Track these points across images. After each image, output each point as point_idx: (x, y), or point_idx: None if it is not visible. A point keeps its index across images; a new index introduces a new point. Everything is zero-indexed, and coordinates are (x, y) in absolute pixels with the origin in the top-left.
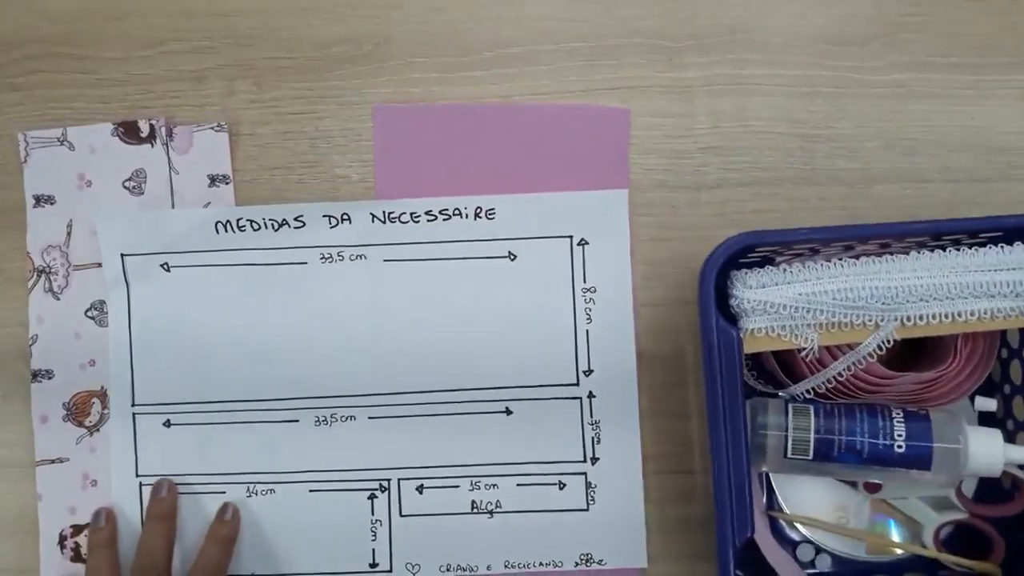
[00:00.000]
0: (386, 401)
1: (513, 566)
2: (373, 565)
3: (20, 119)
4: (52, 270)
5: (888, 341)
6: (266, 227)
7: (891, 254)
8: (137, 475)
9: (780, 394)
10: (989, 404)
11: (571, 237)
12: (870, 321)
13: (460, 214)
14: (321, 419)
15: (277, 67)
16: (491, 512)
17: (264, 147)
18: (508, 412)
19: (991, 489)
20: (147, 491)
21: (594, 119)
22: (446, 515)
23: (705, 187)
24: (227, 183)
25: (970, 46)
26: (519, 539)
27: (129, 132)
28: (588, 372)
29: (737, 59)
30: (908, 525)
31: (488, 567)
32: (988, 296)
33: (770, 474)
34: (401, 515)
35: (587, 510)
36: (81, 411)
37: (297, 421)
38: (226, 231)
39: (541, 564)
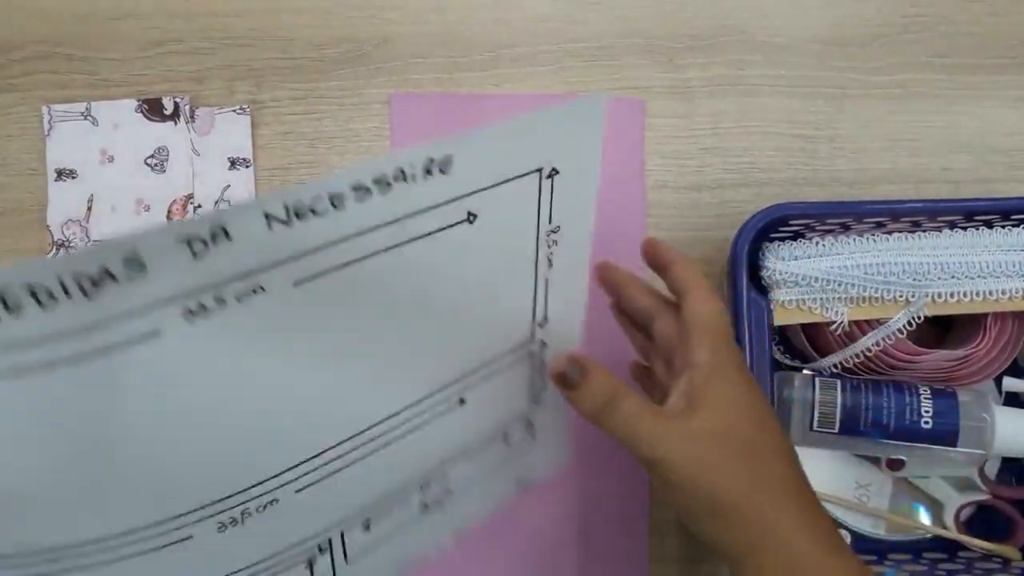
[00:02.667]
0: (316, 464)
1: (464, 532)
2: None
3: (19, 119)
4: (71, 245)
5: (918, 317)
6: (68, 293)
7: (923, 232)
8: None
9: (806, 370)
10: (1017, 385)
11: (540, 171)
12: (900, 297)
13: (404, 176)
14: (227, 522)
15: (276, 68)
16: (441, 503)
17: (263, 148)
18: (462, 402)
19: (1014, 470)
20: None
21: (610, 110)
22: (401, 536)
23: (705, 188)
24: (247, 166)
25: (970, 47)
26: (470, 511)
27: (153, 109)
28: (543, 322)
29: (738, 60)
30: (929, 505)
31: (440, 543)
32: (1020, 276)
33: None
34: (347, 562)
35: (525, 449)
36: None
37: (191, 538)
38: (7, 311)
39: (488, 516)
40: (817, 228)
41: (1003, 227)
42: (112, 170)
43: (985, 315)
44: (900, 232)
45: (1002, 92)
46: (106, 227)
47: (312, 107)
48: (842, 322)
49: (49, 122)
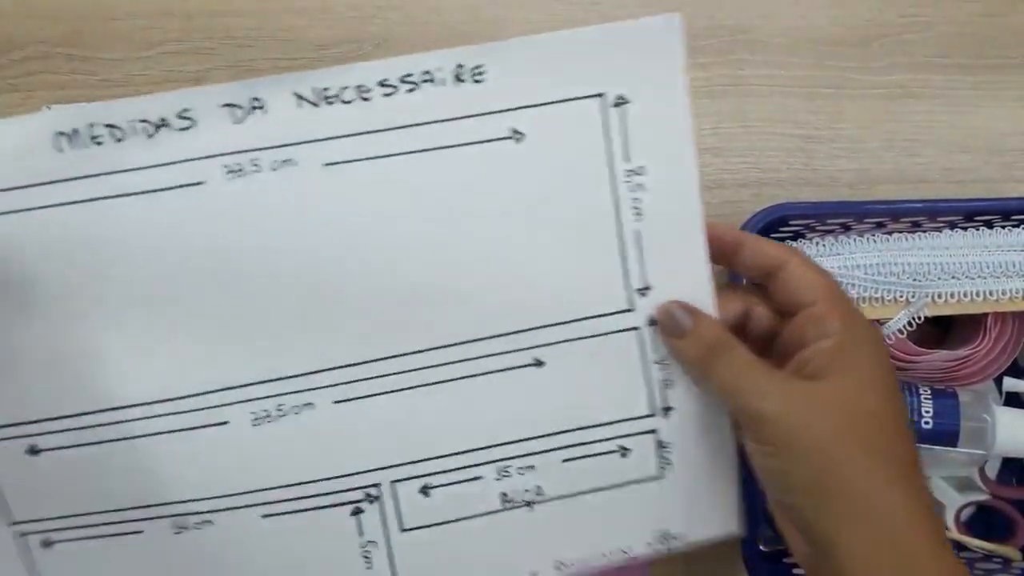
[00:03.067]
0: (357, 375)
1: (568, 565)
2: None
3: None
4: None
5: (918, 318)
6: (135, 133)
7: (924, 232)
8: (12, 523)
9: None
10: (1018, 385)
11: (601, 96)
12: (901, 297)
13: (432, 79)
14: (261, 415)
15: (276, 68)
16: (530, 504)
17: None
18: (538, 364)
19: (1014, 471)
20: (32, 541)
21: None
22: (469, 519)
23: (705, 188)
24: None
25: (971, 47)
26: (571, 531)
27: None
28: (644, 290)
29: (737, 60)
30: None
31: (533, 574)
32: (1020, 276)
33: None
34: (403, 529)
35: (660, 477)
36: None
37: (227, 423)
38: (72, 146)
39: (604, 555)
40: (817, 228)
41: (1003, 227)
42: None
43: (985, 315)
44: (900, 232)
45: (1002, 92)
46: None
47: None
48: None
49: None
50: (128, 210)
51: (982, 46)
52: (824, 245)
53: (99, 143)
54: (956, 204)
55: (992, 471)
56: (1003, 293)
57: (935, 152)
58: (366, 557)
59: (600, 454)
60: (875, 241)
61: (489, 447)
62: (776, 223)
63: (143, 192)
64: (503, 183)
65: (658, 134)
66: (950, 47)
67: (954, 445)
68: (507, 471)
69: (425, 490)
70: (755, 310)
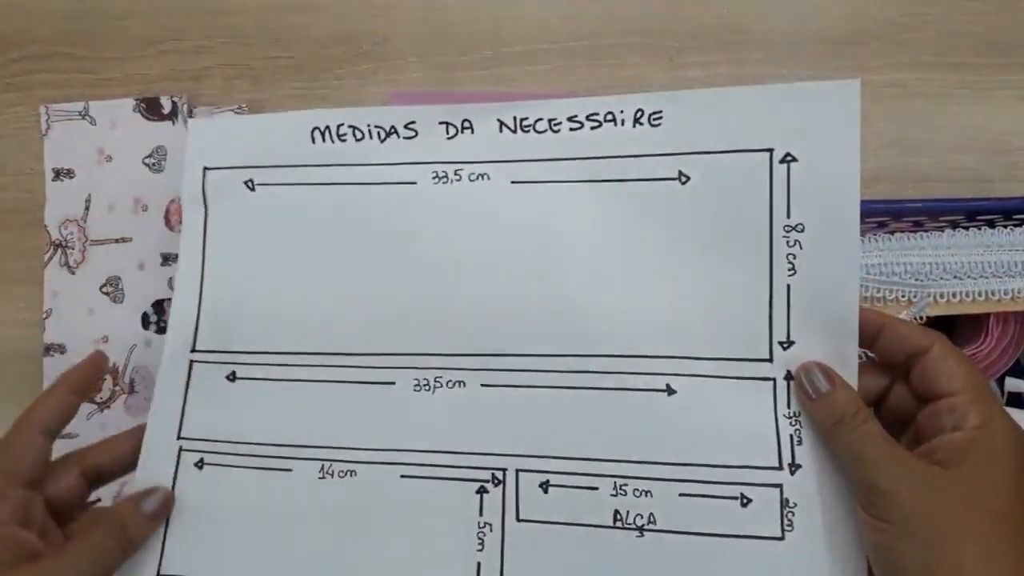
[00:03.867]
0: (506, 365)
1: None
2: None
3: (18, 119)
4: (69, 244)
5: (921, 318)
6: (371, 136)
7: (925, 232)
8: (179, 436)
9: None
10: (1020, 385)
11: (770, 152)
12: (903, 297)
13: (614, 119)
14: (422, 383)
15: (275, 66)
16: (641, 529)
17: None
18: (669, 391)
19: None
20: (188, 459)
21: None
22: (579, 526)
23: None
24: None
25: (971, 46)
26: (679, 572)
27: (151, 108)
28: (786, 344)
29: (738, 59)
30: None
31: None
32: (1022, 275)
33: None
34: (519, 519)
35: (781, 538)
36: None
37: (393, 383)
38: (324, 140)
39: None
40: None
41: (1005, 227)
42: (110, 170)
43: (987, 315)
44: (902, 232)
45: (1003, 92)
46: (104, 227)
47: (311, 106)
48: None
49: (47, 122)
50: (358, 195)
51: (982, 46)
52: None
53: (344, 140)
54: (957, 204)
55: None
56: (1005, 293)
57: (936, 152)
58: (480, 538)
59: (719, 497)
60: (876, 241)
61: (609, 460)
62: None
63: (370, 183)
64: (666, 219)
65: (822, 194)
66: (950, 47)
67: None
68: (624, 489)
69: (545, 486)
70: (896, 389)
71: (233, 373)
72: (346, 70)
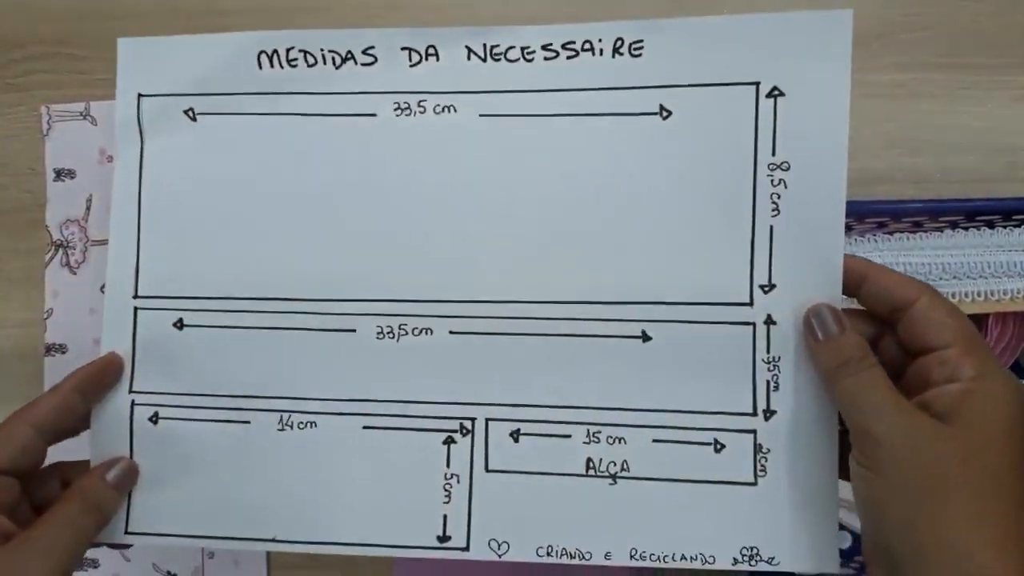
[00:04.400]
0: (475, 312)
1: (643, 556)
2: (443, 538)
3: (19, 119)
4: (70, 244)
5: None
6: (324, 62)
7: (925, 232)
8: (131, 390)
9: None
10: None
11: (756, 85)
12: None
13: (592, 48)
14: (386, 330)
15: None
16: (614, 476)
17: None
18: (645, 337)
19: None
20: (140, 415)
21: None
22: (550, 475)
23: None
24: None
25: (971, 46)
26: (653, 519)
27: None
28: (767, 287)
29: None
30: None
31: (607, 555)
32: (1021, 276)
33: None
34: (487, 469)
35: (754, 484)
36: None
37: (354, 331)
38: (271, 66)
39: (684, 558)
40: None
41: (1004, 227)
42: (111, 170)
43: (986, 316)
44: (901, 232)
45: (1003, 92)
46: (105, 227)
47: None
48: None
49: (48, 122)
50: (311, 127)
51: (983, 46)
52: None
53: (294, 65)
54: (957, 204)
55: None
56: (1004, 293)
57: (936, 152)
58: (447, 490)
59: (692, 443)
60: (876, 241)
61: (582, 408)
62: None
63: (325, 115)
64: (644, 157)
65: (809, 131)
66: (950, 47)
67: None
68: (596, 436)
69: (515, 435)
70: (885, 340)
71: (180, 320)
72: None
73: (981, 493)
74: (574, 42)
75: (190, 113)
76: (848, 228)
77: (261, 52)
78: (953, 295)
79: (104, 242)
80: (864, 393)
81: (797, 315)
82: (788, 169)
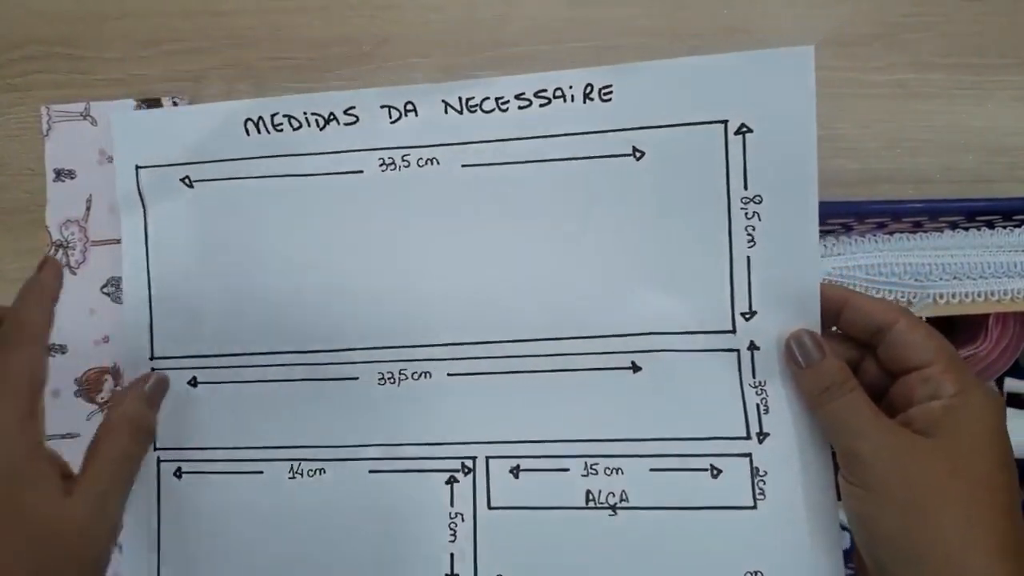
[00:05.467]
0: (471, 353)
1: None
2: None
3: (19, 119)
4: (70, 245)
5: (920, 318)
6: (309, 124)
7: (925, 232)
8: (155, 447)
9: None
10: (1019, 386)
11: (725, 123)
12: (903, 298)
13: (563, 96)
14: (387, 376)
15: (276, 67)
16: (613, 507)
17: None
18: (635, 368)
19: (1020, 471)
20: (166, 470)
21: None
22: (550, 509)
23: None
24: None
25: (972, 46)
26: (655, 548)
27: (153, 109)
28: (748, 315)
29: None
30: None
31: None
32: (1022, 276)
33: None
34: (490, 507)
35: (753, 507)
36: (93, 387)
37: (356, 379)
38: (259, 131)
39: None
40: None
41: (1004, 227)
42: (111, 170)
43: (987, 316)
44: (901, 232)
45: (1003, 92)
46: (105, 227)
47: None
48: None
49: (48, 122)
50: (302, 187)
51: (983, 46)
52: (825, 245)
53: (280, 130)
54: (957, 204)
55: None
56: (1004, 294)
57: (936, 152)
58: (452, 529)
59: (689, 470)
60: (876, 241)
61: (578, 440)
62: None
63: (314, 174)
64: (622, 197)
65: (779, 165)
66: (951, 47)
67: None
68: (594, 468)
69: (515, 471)
70: (866, 363)
71: (194, 378)
72: (346, 71)
73: (970, 502)
74: (546, 90)
75: (186, 180)
76: (848, 228)
77: (247, 120)
78: (953, 295)
79: (104, 243)
80: (848, 415)
81: (779, 340)
82: (761, 202)
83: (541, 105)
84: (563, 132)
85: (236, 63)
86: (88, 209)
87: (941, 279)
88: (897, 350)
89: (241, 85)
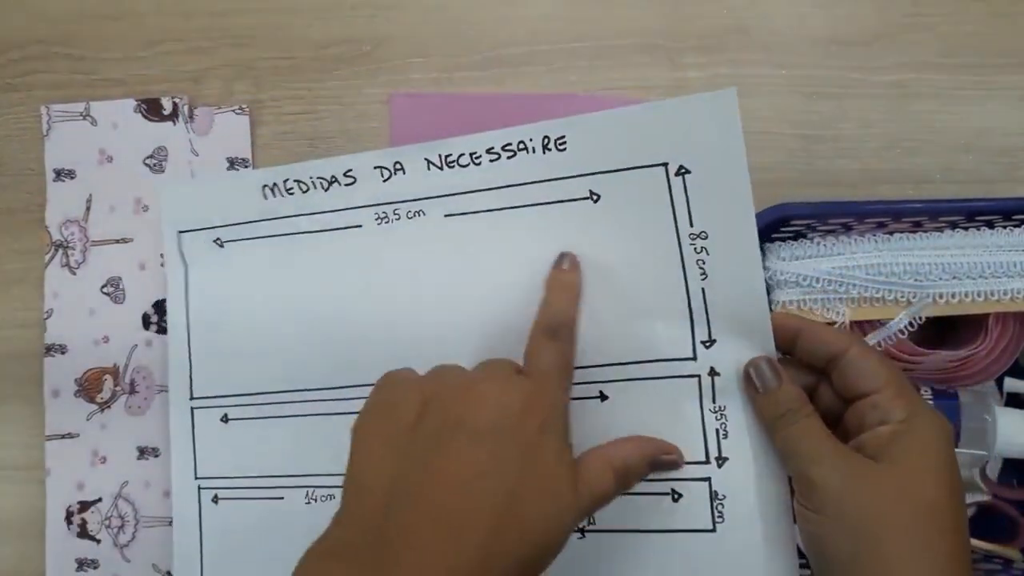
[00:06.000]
0: None
1: None
2: None
3: (19, 119)
4: (69, 245)
5: (920, 318)
6: (315, 187)
7: (925, 232)
8: (196, 477)
9: None
10: (1019, 385)
11: (665, 165)
12: (902, 297)
13: (526, 148)
14: None
15: (275, 67)
16: (582, 531)
17: (262, 148)
18: (603, 397)
19: (1015, 471)
20: (206, 496)
21: None
22: None
23: None
24: (247, 166)
25: (972, 47)
26: (619, 569)
27: (152, 109)
28: (708, 343)
29: (738, 59)
30: None
31: None
32: (1022, 276)
33: None
34: None
35: (713, 530)
36: (93, 387)
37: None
38: (274, 195)
39: None
40: (818, 228)
41: (1004, 227)
42: (111, 170)
43: (987, 316)
44: (901, 232)
45: (1003, 92)
46: (105, 227)
47: (311, 107)
48: (843, 323)
49: (48, 122)
50: (311, 243)
51: (983, 46)
52: (825, 245)
53: (291, 193)
54: (957, 204)
55: (993, 472)
56: (1004, 293)
57: (936, 152)
58: None
59: (651, 493)
60: (876, 241)
61: None
62: (777, 223)
63: (321, 230)
64: (584, 236)
65: (718, 202)
66: (951, 47)
67: (955, 446)
68: None
69: None
70: (821, 389)
71: (225, 415)
72: (346, 71)
73: (916, 526)
74: (511, 143)
75: (218, 242)
76: (848, 228)
77: (264, 186)
78: (953, 295)
79: (104, 242)
80: (802, 441)
81: (738, 366)
82: (707, 238)
83: (508, 157)
84: (528, 180)
85: (236, 63)
86: (88, 209)
87: (941, 279)
88: (849, 377)
89: (240, 85)
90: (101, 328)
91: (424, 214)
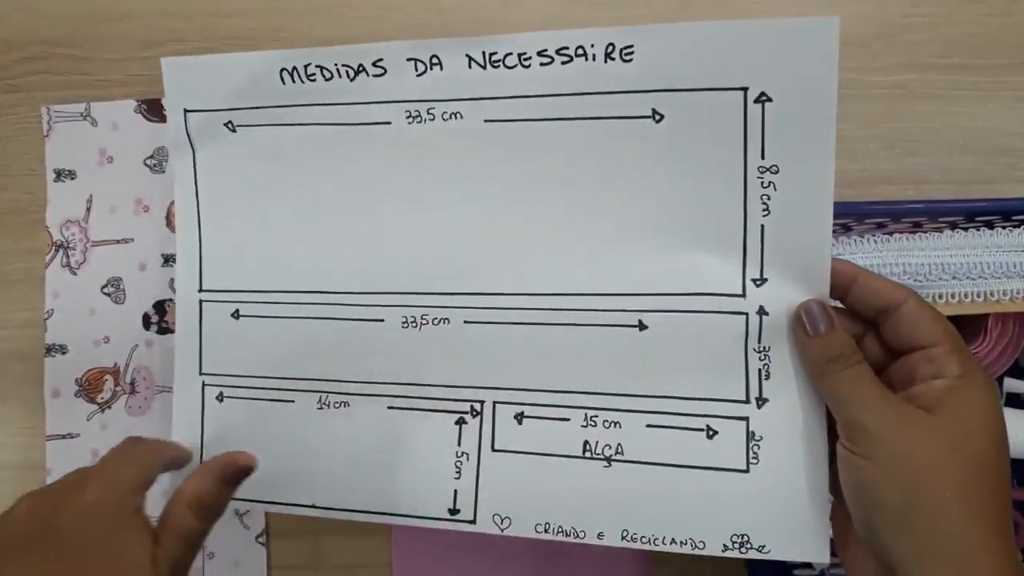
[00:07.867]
0: (486, 303)
1: (634, 539)
2: (453, 511)
3: (19, 119)
4: (70, 245)
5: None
6: (339, 75)
7: (924, 232)
8: (201, 372)
9: None
10: (1018, 386)
11: (745, 90)
12: None
13: (585, 54)
14: (409, 320)
15: None
16: (609, 459)
17: None
18: (641, 327)
19: (1015, 472)
20: (210, 393)
21: None
22: (549, 456)
23: None
24: None
25: (972, 47)
26: (645, 502)
27: (152, 109)
28: (759, 281)
29: None
30: None
31: (600, 535)
32: (1021, 277)
33: None
34: (493, 448)
35: (746, 471)
36: (93, 388)
37: (382, 320)
38: (293, 81)
39: (674, 542)
40: None
41: (1004, 228)
42: (111, 170)
43: (986, 316)
44: (901, 233)
45: (1003, 92)
46: (105, 227)
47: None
48: None
49: (48, 122)
50: (333, 136)
51: (983, 46)
52: None
53: (313, 80)
54: (957, 204)
55: None
56: (1004, 294)
57: (935, 152)
58: (457, 467)
59: (685, 428)
60: (875, 241)
61: (580, 392)
62: None
63: (345, 123)
64: (639, 158)
65: (797, 137)
66: (951, 47)
67: None
68: (594, 420)
69: (519, 417)
70: (868, 338)
71: (237, 311)
72: None
73: (968, 479)
74: (567, 48)
75: (229, 125)
76: (848, 228)
77: (282, 69)
78: (953, 295)
79: (104, 243)
80: (853, 387)
81: (788, 308)
82: (777, 172)
83: (563, 63)
84: (583, 91)
85: None
86: (88, 209)
87: (940, 279)
88: (905, 329)
89: None
90: (101, 328)
91: (461, 116)
